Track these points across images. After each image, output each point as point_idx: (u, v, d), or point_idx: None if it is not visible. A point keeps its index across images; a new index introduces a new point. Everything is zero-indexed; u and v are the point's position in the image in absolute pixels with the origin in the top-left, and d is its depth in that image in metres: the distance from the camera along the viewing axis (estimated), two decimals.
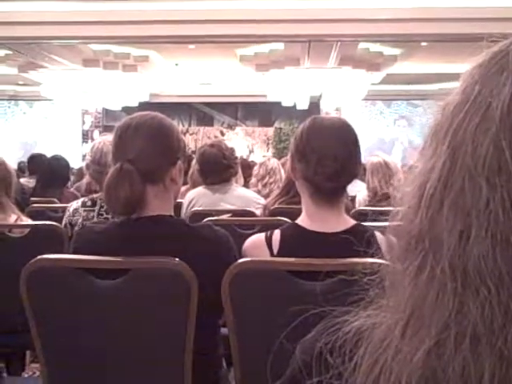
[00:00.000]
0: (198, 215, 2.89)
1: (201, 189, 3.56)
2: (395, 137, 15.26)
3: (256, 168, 4.50)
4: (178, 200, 3.50)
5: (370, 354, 0.47)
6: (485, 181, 0.43)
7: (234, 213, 3.12)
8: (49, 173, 4.67)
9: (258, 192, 4.01)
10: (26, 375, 3.10)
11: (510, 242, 0.41)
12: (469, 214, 0.43)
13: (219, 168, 3.45)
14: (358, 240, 1.14)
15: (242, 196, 3.50)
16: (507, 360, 0.40)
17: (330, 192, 1.60)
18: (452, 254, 0.43)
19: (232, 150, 3.63)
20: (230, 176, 3.52)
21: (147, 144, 1.58)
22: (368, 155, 3.96)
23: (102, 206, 2.55)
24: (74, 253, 1.62)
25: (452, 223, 0.44)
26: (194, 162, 4.14)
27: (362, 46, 9.54)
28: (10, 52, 9.97)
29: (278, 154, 12.45)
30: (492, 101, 0.44)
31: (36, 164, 5.21)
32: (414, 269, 0.47)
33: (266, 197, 3.78)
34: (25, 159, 7.72)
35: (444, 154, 0.46)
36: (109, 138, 2.69)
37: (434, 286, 0.44)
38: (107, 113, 14.77)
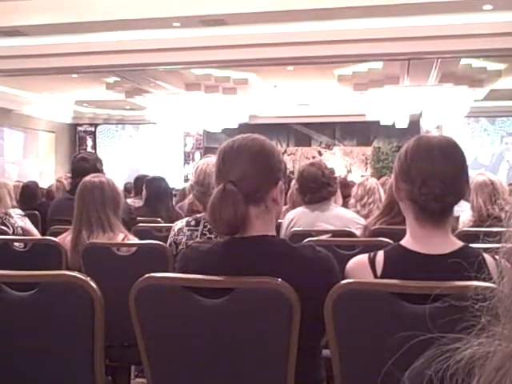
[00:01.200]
0: (298, 235, 2.90)
1: (300, 209, 3.57)
2: (501, 155, 14.64)
3: (355, 188, 4.46)
4: (279, 220, 3.55)
5: (485, 383, 0.46)
6: None
7: (334, 233, 3.10)
8: (151, 192, 4.89)
9: (357, 212, 3.96)
10: None
11: None
12: None
13: (318, 186, 3.46)
14: (466, 263, 1.10)
15: (341, 216, 3.48)
16: None
17: (436, 213, 1.56)
18: None
19: (331, 169, 3.63)
20: (329, 194, 3.51)
21: (249, 165, 1.61)
22: (473, 174, 3.82)
23: (205, 226, 2.61)
24: (180, 271, 1.66)
25: None
26: (293, 182, 4.17)
27: (463, 61, 9.27)
28: (118, 79, 10.51)
29: (377, 174, 12.28)
30: None
31: (141, 185, 5.45)
32: None
33: (365, 217, 3.73)
34: (131, 180, 8.06)
35: None
36: (212, 159, 2.76)
37: None
38: (208, 135, 15.17)
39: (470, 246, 1.57)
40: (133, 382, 3.27)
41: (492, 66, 9.88)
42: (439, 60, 8.64)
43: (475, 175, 3.69)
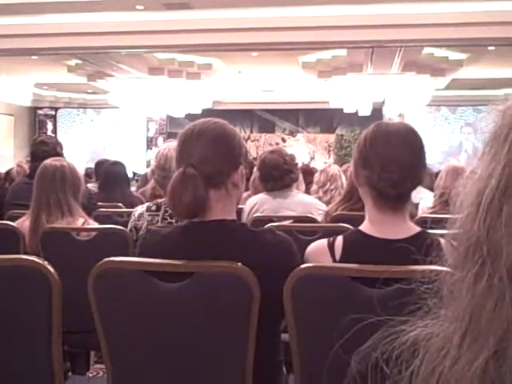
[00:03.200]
0: (260, 221, 2.90)
1: (262, 195, 3.58)
2: (461, 144, 14.90)
3: (317, 175, 4.48)
4: (240, 206, 3.55)
5: (426, 364, 0.47)
6: None
7: (296, 219, 3.11)
8: (107, 177, 4.81)
9: (319, 199, 3.99)
10: (90, 375, 3.18)
11: None
12: None
13: (280, 173, 3.46)
14: (422, 247, 1.12)
15: (303, 202, 3.50)
16: None
17: (394, 198, 1.58)
18: (511, 261, 0.42)
19: (292, 156, 3.64)
20: (290, 182, 3.52)
21: (210, 149, 1.61)
22: (432, 162, 3.89)
23: (166, 211, 2.60)
24: (140, 256, 1.65)
25: (511, 230, 0.43)
26: (255, 168, 4.17)
27: (426, 51, 9.38)
28: (80, 61, 10.33)
29: (340, 161, 12.37)
30: None
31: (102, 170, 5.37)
32: (471, 277, 0.46)
33: (327, 203, 3.76)
34: (92, 165, 7.96)
35: (504, 159, 0.45)
36: (173, 144, 2.74)
37: (491, 295, 0.44)
38: (171, 120, 15.06)
39: (426, 232, 1.60)
40: (92, 368, 3.25)
41: (454, 55, 10.02)
42: (402, 48, 8.72)
43: (447, 160, 3.76)
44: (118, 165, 4.97)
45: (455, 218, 0.50)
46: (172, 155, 2.55)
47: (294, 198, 3.49)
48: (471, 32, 7.64)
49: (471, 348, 0.44)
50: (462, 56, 10.04)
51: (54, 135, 14.89)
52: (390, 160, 1.55)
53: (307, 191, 4.34)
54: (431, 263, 0.61)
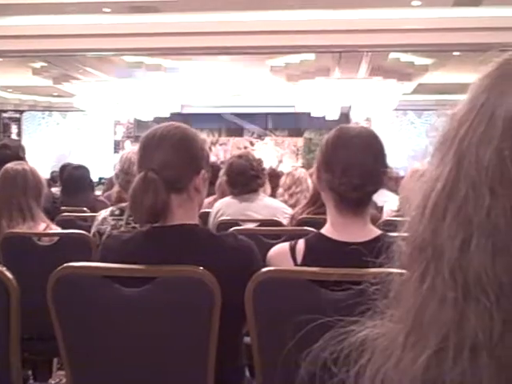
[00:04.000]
0: (225, 225, 2.90)
1: (228, 199, 3.58)
2: (427, 148, 15.07)
3: (283, 178, 4.49)
4: (206, 210, 3.54)
5: (372, 363, 0.48)
6: (488, 190, 0.43)
7: (261, 222, 3.12)
8: (70, 181, 4.74)
9: (285, 202, 4.00)
10: (52, 382, 3.13)
11: (510, 251, 0.41)
12: (471, 223, 0.43)
13: (246, 179, 3.47)
14: (381, 250, 1.13)
15: (268, 206, 3.51)
16: (505, 369, 0.40)
17: (355, 202, 1.59)
18: (453, 263, 0.43)
19: (260, 161, 3.64)
20: (257, 187, 3.53)
21: (171, 153, 1.60)
22: (399, 166, 3.94)
23: (130, 215, 2.58)
24: (101, 261, 1.64)
25: (454, 232, 0.44)
26: (221, 172, 4.16)
27: (392, 55, 9.49)
28: (46, 64, 10.19)
29: (308, 164, 12.43)
30: (495, 110, 0.44)
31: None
32: (416, 278, 0.47)
33: (292, 206, 3.77)
34: (58, 169, 7.85)
35: (449, 162, 0.46)
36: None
37: (435, 296, 0.44)
38: (139, 123, 14.93)
39: (387, 235, 1.60)
40: (55, 375, 3.20)
41: (419, 60, 10.16)
42: (369, 53, 8.82)
43: (412, 163, 3.81)
44: (81, 169, 4.91)
45: (404, 220, 0.51)
46: (136, 159, 2.53)
47: (259, 202, 3.49)
48: (436, 38, 7.76)
49: (414, 347, 0.45)
50: (428, 61, 10.19)
51: (18, 138, 14.67)
52: (351, 164, 1.57)
53: (273, 194, 4.35)
54: (382, 266, 0.62)
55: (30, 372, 2.73)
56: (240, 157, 3.60)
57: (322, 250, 1.60)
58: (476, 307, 0.42)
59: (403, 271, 0.50)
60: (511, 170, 0.42)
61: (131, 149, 2.82)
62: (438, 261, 0.44)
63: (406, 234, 0.51)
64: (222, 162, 11.42)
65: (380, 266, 0.71)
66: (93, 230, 2.66)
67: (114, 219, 2.62)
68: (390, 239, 0.55)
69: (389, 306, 0.51)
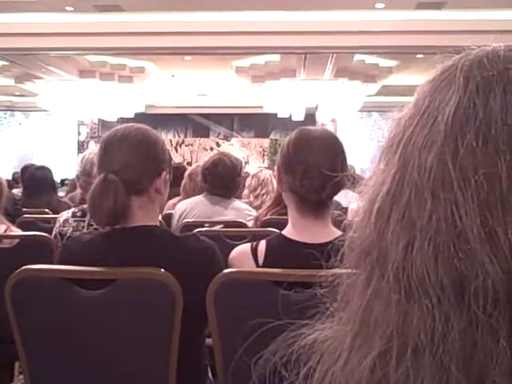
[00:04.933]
0: (190, 226, 2.88)
1: (197, 198, 3.51)
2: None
3: (248, 179, 4.49)
4: (170, 211, 3.50)
5: (321, 366, 0.48)
6: (430, 193, 0.43)
7: (226, 224, 3.11)
8: (32, 182, 4.66)
9: (250, 203, 4.00)
10: None
11: (451, 253, 0.42)
12: (414, 226, 0.44)
13: (230, 182, 3.40)
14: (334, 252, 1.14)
15: (235, 208, 3.48)
16: (447, 369, 0.41)
17: (316, 204, 1.60)
18: (397, 266, 0.44)
19: (242, 165, 3.59)
20: (235, 192, 3.50)
21: (131, 155, 1.59)
22: (364, 166, 3.96)
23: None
24: (60, 263, 1.62)
25: (398, 236, 0.45)
26: (186, 173, 4.14)
27: (357, 57, 9.60)
28: (7, 63, 10.01)
29: (274, 165, 12.45)
30: (438, 115, 0.45)
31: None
32: (363, 281, 0.48)
33: (257, 208, 3.77)
34: (20, 170, 7.72)
35: (394, 166, 0.47)
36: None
37: (379, 298, 0.45)
38: (103, 124, 14.76)
39: (345, 235, 1.62)
40: (16, 379, 3.15)
41: (384, 62, 10.29)
42: (334, 55, 8.89)
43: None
44: (43, 169, 4.82)
45: (352, 223, 0.52)
46: None
47: (229, 204, 3.46)
48: (400, 40, 7.87)
49: (360, 349, 0.46)
50: (392, 63, 10.32)
51: None
52: (311, 166, 1.57)
53: (238, 196, 4.33)
54: (332, 267, 0.63)
55: None
56: (230, 160, 3.45)
57: (283, 251, 1.61)
58: (419, 309, 0.43)
59: (351, 273, 0.51)
60: (452, 174, 0.43)
61: (92, 149, 2.79)
62: (383, 264, 0.45)
63: (352, 237, 0.51)
64: (189, 163, 11.39)
65: (332, 268, 0.72)
66: (54, 231, 2.62)
67: (75, 221, 2.58)
68: (342, 241, 0.55)
69: (337, 309, 0.52)
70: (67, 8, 7.50)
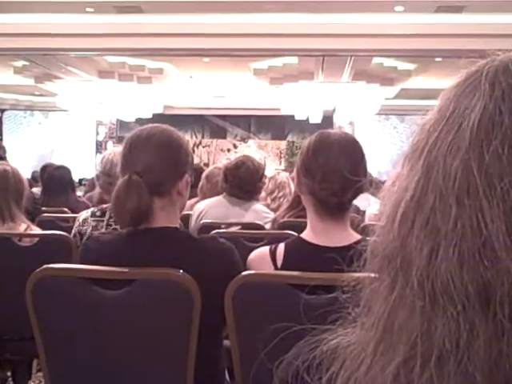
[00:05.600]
0: (207, 227, 2.90)
1: (216, 199, 3.51)
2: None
3: (265, 182, 4.48)
4: (188, 212, 3.51)
5: (344, 371, 0.48)
6: (454, 200, 0.43)
7: (243, 226, 3.11)
8: (51, 182, 4.71)
9: (267, 206, 3.99)
10: (32, 383, 3.11)
11: (476, 260, 0.42)
12: (438, 232, 0.44)
13: (251, 188, 3.41)
14: (360, 255, 1.14)
15: (254, 210, 3.48)
16: (471, 377, 0.41)
17: (335, 207, 1.60)
18: (421, 272, 0.44)
19: (264, 169, 3.59)
20: (253, 196, 3.51)
21: (156, 157, 1.60)
22: (381, 170, 3.94)
23: (111, 217, 2.56)
24: (80, 263, 1.63)
25: (422, 242, 0.45)
26: (203, 174, 4.15)
27: (375, 60, 9.55)
28: (27, 63, 10.10)
29: (291, 167, 12.44)
30: (463, 121, 0.45)
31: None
32: (386, 287, 0.47)
33: (274, 211, 3.77)
34: (38, 169, 7.79)
35: (418, 172, 0.47)
36: (119, 149, 2.71)
37: (403, 305, 0.45)
38: (121, 124, 14.86)
39: (367, 239, 1.62)
40: (34, 376, 3.18)
41: (402, 65, 10.22)
42: (353, 58, 8.86)
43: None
44: (62, 169, 4.87)
45: (375, 228, 0.52)
46: (117, 160, 2.52)
47: (247, 207, 3.46)
48: (419, 43, 7.82)
49: (384, 355, 0.45)
50: (410, 66, 10.26)
51: None
52: (331, 169, 1.58)
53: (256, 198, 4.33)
54: (355, 271, 0.63)
55: (8, 374, 2.71)
56: (253, 164, 3.45)
57: (301, 255, 1.61)
58: (443, 316, 0.42)
59: (374, 279, 0.51)
60: (477, 180, 0.42)
61: (112, 150, 2.81)
62: (407, 270, 0.45)
63: (375, 242, 0.51)
64: (206, 164, 11.40)
65: (352, 272, 0.72)
66: (74, 230, 2.64)
67: (94, 220, 2.60)
68: (365, 245, 0.55)
69: (360, 314, 0.52)
70: (87, 9, 7.56)
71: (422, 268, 0.44)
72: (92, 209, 2.70)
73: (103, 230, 2.53)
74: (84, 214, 2.67)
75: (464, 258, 0.42)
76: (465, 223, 0.42)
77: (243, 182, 3.39)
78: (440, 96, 0.50)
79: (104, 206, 2.65)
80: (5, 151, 4.03)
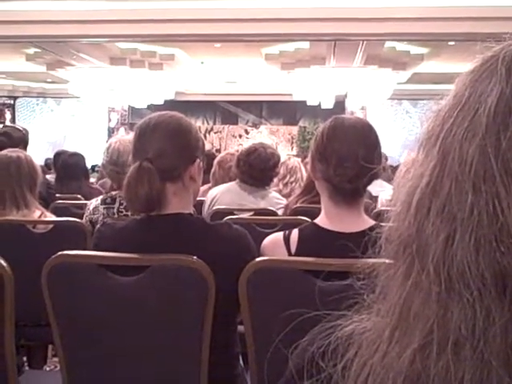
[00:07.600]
0: (220, 213, 2.90)
1: (230, 184, 3.52)
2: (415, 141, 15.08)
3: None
4: (201, 198, 3.52)
5: (359, 358, 0.48)
6: (471, 186, 0.43)
7: (256, 212, 3.12)
8: (64, 169, 4.73)
9: (279, 191, 4.00)
10: (47, 369, 3.14)
11: (492, 246, 0.41)
12: (454, 219, 0.43)
13: (262, 175, 3.43)
14: (374, 241, 1.14)
15: (267, 196, 3.48)
16: (488, 363, 0.41)
17: (350, 193, 1.59)
18: (437, 259, 0.44)
19: (279, 157, 3.61)
20: (265, 184, 3.52)
21: (166, 142, 1.60)
22: (393, 155, 3.93)
23: (121, 204, 2.57)
24: (95, 249, 1.64)
25: (438, 228, 0.44)
26: (215, 160, 4.15)
27: (388, 44, 9.46)
28: (39, 50, 10.11)
29: (302, 153, 12.41)
30: (479, 106, 0.44)
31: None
32: (401, 274, 0.47)
33: (287, 196, 3.77)
34: (52, 156, 7.82)
35: (434, 159, 0.47)
36: (125, 137, 2.71)
37: (419, 291, 0.45)
38: (133, 110, 14.88)
39: (381, 225, 1.61)
40: (50, 362, 3.22)
41: (415, 49, 10.14)
42: (364, 42, 8.79)
43: (408, 153, 3.78)
44: (75, 156, 4.89)
45: (390, 214, 0.52)
46: (123, 149, 2.52)
47: (260, 193, 3.46)
48: (432, 27, 7.73)
49: (400, 342, 0.46)
50: (423, 50, 10.17)
51: (13, 125, 14.59)
52: (345, 155, 1.57)
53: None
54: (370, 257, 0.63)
55: (24, 358, 2.74)
56: (263, 147, 3.48)
57: (315, 241, 1.61)
58: (459, 302, 0.42)
59: (389, 265, 0.50)
60: (494, 166, 0.42)
61: (118, 138, 2.79)
62: (423, 256, 0.45)
63: (390, 228, 0.51)
64: (218, 150, 11.40)
65: (367, 258, 0.71)
66: (85, 218, 2.65)
67: (105, 208, 2.61)
68: (379, 231, 0.55)
69: (375, 300, 0.52)
70: None
71: (438, 254, 0.44)
72: (101, 196, 2.71)
73: (115, 217, 2.54)
74: (94, 202, 2.68)
75: (480, 244, 0.42)
76: (481, 209, 0.42)
77: (252, 169, 3.40)
78: (455, 81, 0.49)
79: (113, 193, 2.66)
80: (27, 143, 4.03)
